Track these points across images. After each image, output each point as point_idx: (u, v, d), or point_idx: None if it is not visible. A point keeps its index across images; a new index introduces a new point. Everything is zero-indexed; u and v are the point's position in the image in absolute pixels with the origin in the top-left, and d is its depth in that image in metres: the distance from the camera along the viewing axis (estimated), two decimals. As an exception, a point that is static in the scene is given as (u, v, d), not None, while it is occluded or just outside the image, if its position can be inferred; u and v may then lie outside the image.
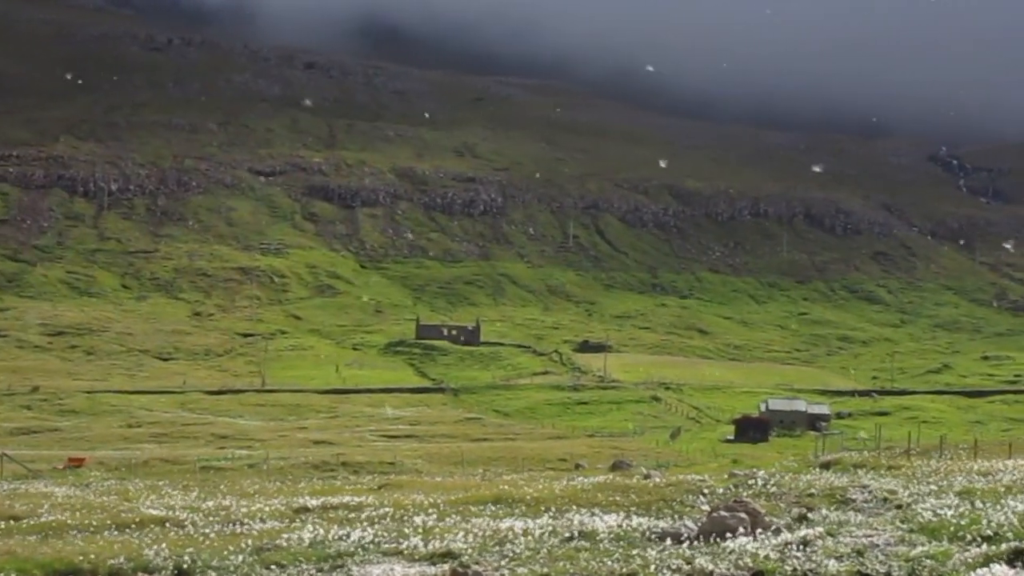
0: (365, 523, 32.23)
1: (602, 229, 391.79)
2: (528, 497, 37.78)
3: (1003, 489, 34.49)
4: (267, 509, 39.00)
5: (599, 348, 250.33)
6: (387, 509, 35.97)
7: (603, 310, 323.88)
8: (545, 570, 23.51)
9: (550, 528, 29.30)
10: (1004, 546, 24.09)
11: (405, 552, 26.82)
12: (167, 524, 34.92)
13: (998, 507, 29.36)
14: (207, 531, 32.31)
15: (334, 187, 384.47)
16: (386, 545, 27.69)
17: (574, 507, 34.13)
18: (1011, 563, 22.38)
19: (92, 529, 33.95)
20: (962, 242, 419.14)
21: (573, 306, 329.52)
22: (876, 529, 28.78)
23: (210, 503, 42.95)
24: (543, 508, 34.46)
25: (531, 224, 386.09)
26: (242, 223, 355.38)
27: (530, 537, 27.96)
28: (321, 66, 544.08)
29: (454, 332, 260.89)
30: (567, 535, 28.26)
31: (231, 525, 33.88)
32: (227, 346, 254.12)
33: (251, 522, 34.33)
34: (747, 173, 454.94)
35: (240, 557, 26.49)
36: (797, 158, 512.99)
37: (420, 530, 29.87)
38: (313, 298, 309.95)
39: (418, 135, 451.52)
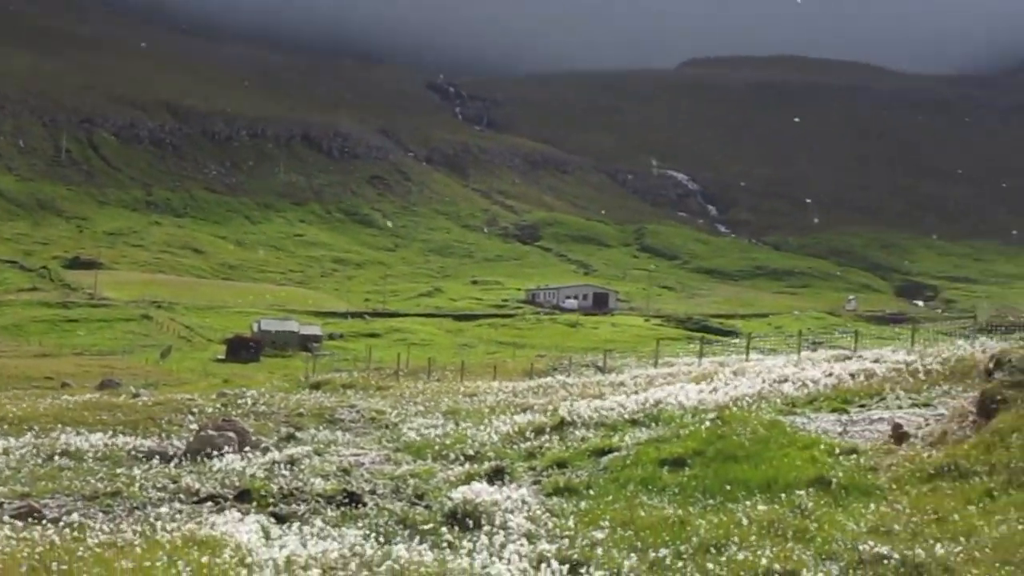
0: None
1: (96, 144, 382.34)
2: (11, 416, 36.79)
3: (487, 410, 35.84)
4: None
5: (90, 265, 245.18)
6: None
7: (95, 226, 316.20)
8: (27, 489, 22.97)
9: (33, 447, 28.63)
10: (486, 464, 25.07)
11: None
12: None
13: (481, 427, 30.49)
14: None
15: None
16: None
17: (59, 426, 33.48)
18: (491, 480, 23.27)
19: None
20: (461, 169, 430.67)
21: (64, 222, 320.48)
22: (363, 448, 29.41)
23: None
24: (26, 427, 33.65)
25: (21, 136, 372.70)
26: None
27: (12, 456, 27.28)
28: None
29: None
30: (51, 454, 27.69)
31: None
32: None
33: None
34: (246, 94, 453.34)
35: None
36: (297, 80, 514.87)
37: None
38: None
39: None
